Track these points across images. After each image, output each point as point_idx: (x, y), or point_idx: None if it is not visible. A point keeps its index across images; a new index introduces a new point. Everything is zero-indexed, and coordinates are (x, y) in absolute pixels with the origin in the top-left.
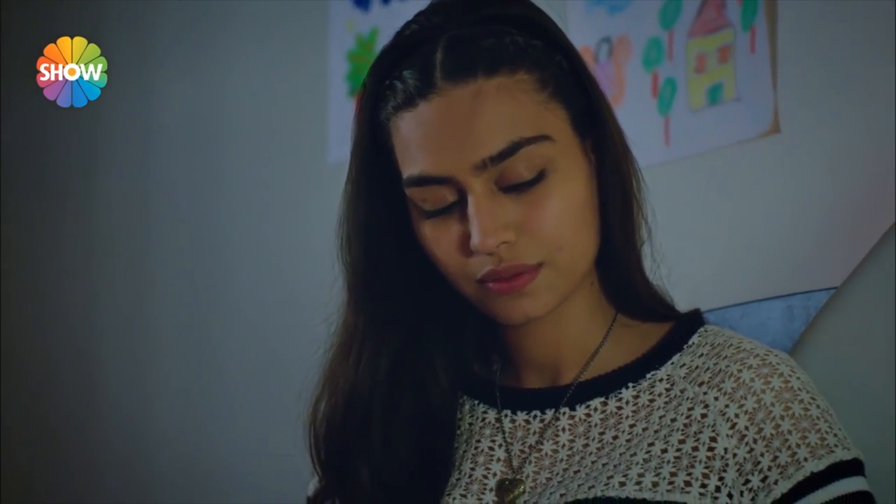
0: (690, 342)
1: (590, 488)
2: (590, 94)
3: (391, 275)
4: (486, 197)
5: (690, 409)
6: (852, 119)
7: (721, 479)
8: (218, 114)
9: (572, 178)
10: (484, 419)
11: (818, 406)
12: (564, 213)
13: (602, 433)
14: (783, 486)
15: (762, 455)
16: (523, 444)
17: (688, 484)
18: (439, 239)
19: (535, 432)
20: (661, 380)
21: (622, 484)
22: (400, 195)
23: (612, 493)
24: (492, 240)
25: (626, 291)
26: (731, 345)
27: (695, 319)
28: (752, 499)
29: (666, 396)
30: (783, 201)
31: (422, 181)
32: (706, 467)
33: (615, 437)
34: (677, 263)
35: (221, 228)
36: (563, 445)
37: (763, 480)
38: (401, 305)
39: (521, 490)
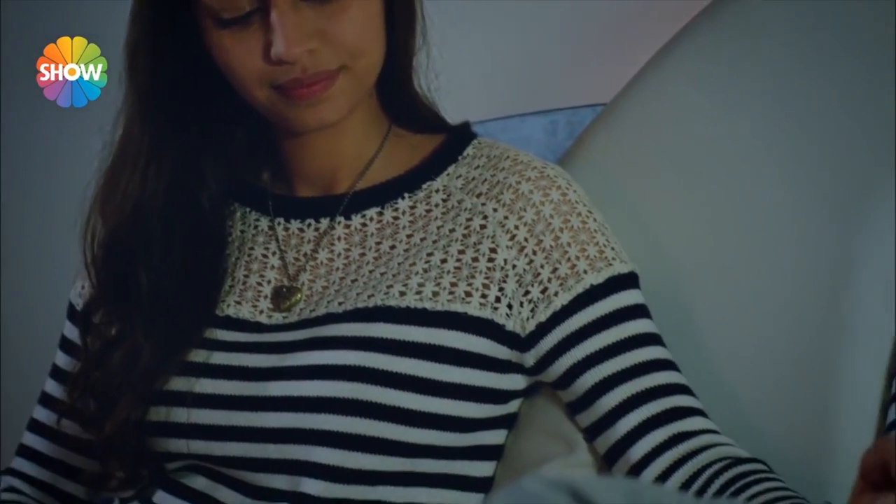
0: (465, 153)
1: (369, 297)
2: None
3: (177, 89)
4: (290, 6)
5: (469, 219)
6: None
7: (501, 289)
8: None
9: None
10: (257, 227)
11: (595, 220)
12: (364, 21)
13: (379, 243)
14: (563, 298)
15: (542, 267)
16: (298, 252)
17: (468, 294)
18: (235, 48)
19: (309, 241)
20: (437, 190)
21: (402, 293)
22: (187, 6)
23: (392, 303)
24: (297, 48)
25: (402, 102)
26: (508, 157)
27: (466, 132)
28: (532, 310)
29: (443, 207)
30: (540, 17)
31: None
32: (486, 278)
33: (392, 247)
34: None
35: None
36: (339, 254)
37: (543, 292)
38: (183, 119)
39: (297, 298)
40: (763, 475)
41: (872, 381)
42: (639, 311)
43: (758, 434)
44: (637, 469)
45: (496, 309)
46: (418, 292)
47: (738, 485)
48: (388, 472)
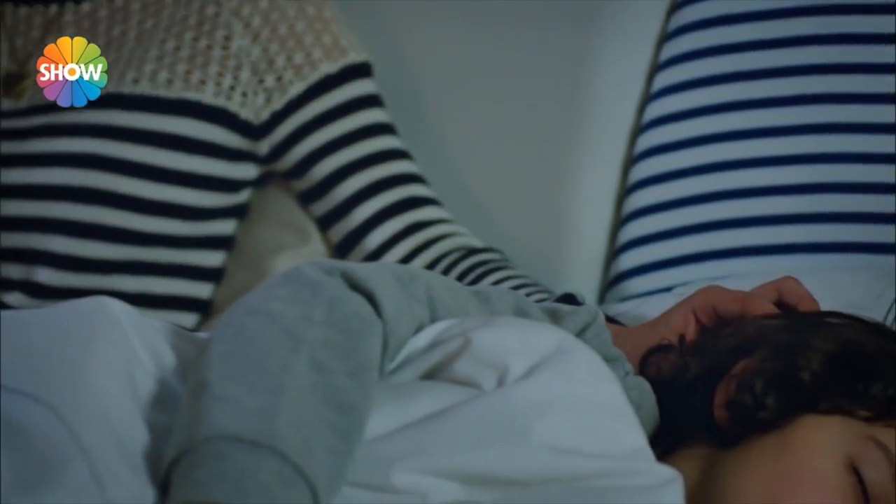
0: None
1: None
2: None
3: None
4: None
5: (203, 7)
6: None
7: (235, 78)
8: None
9: None
10: None
11: (331, 9)
12: None
13: (109, 29)
14: (298, 87)
15: (277, 55)
16: (27, 38)
17: (203, 82)
18: None
19: (38, 27)
20: None
21: (136, 81)
22: None
23: (125, 90)
24: None
25: None
26: None
27: None
28: (267, 98)
29: None
30: None
31: None
32: (221, 66)
33: (123, 34)
34: None
35: None
36: None
37: (278, 80)
38: None
39: (27, 84)
40: (499, 263)
41: (608, 173)
42: (373, 101)
43: (494, 225)
44: (372, 258)
45: (230, 97)
46: (152, 79)
47: (475, 273)
48: (121, 262)
